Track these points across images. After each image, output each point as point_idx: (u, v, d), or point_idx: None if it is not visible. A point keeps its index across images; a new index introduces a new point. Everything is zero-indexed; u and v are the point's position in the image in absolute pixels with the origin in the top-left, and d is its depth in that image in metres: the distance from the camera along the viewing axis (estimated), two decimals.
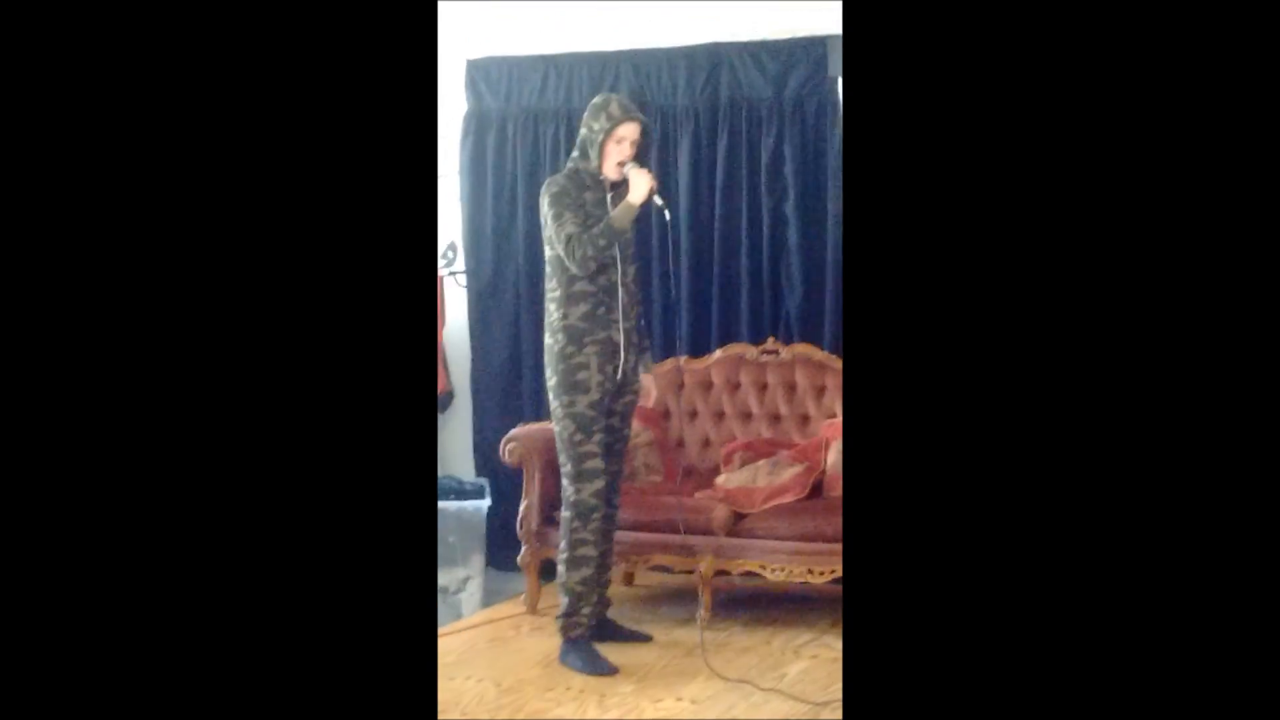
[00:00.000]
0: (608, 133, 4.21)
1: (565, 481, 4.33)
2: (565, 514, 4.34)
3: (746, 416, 5.42)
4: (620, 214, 4.18)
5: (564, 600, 4.35)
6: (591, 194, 4.26)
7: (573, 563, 4.32)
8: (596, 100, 4.31)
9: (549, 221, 4.22)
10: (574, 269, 4.20)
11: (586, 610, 4.34)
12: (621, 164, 4.23)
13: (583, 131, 4.28)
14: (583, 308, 4.24)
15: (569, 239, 4.16)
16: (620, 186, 4.27)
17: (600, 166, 4.25)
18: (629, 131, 4.22)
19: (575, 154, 4.31)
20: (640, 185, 4.17)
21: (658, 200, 4.22)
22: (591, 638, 4.35)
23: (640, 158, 4.27)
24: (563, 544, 4.35)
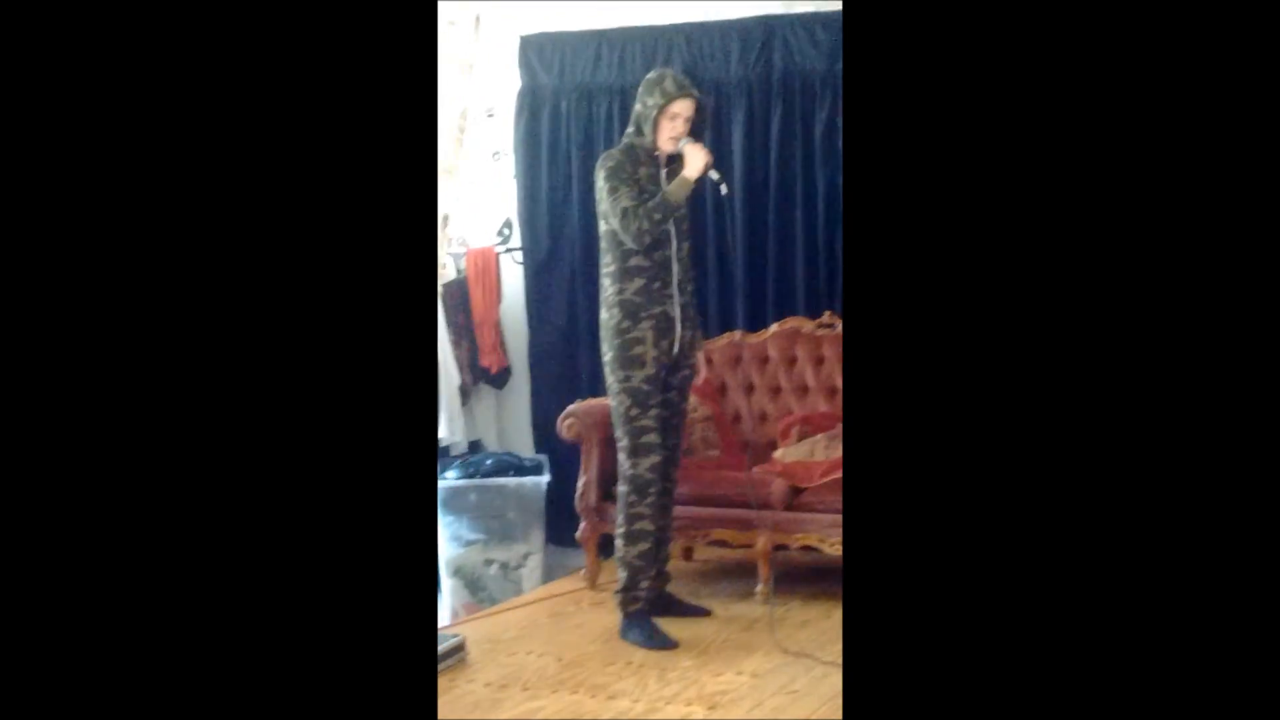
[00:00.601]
0: (661, 108, 4.20)
1: (622, 456, 4.34)
2: (622, 489, 4.35)
3: (803, 390, 5.39)
4: (675, 188, 4.17)
5: (622, 575, 4.36)
6: (646, 169, 4.26)
7: (630, 537, 4.33)
8: (651, 76, 4.31)
9: (604, 196, 4.23)
10: (629, 243, 4.20)
11: (645, 585, 4.35)
12: (676, 139, 4.23)
13: (637, 107, 4.28)
14: (638, 282, 4.24)
15: (624, 213, 4.16)
16: (675, 161, 4.26)
17: (655, 142, 4.24)
18: (683, 108, 4.21)
19: (630, 129, 4.31)
20: (695, 160, 4.16)
21: (714, 174, 4.21)
22: (651, 612, 4.37)
23: (695, 133, 4.27)
24: (620, 519, 4.36)
